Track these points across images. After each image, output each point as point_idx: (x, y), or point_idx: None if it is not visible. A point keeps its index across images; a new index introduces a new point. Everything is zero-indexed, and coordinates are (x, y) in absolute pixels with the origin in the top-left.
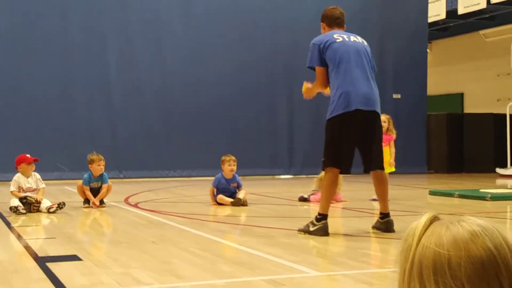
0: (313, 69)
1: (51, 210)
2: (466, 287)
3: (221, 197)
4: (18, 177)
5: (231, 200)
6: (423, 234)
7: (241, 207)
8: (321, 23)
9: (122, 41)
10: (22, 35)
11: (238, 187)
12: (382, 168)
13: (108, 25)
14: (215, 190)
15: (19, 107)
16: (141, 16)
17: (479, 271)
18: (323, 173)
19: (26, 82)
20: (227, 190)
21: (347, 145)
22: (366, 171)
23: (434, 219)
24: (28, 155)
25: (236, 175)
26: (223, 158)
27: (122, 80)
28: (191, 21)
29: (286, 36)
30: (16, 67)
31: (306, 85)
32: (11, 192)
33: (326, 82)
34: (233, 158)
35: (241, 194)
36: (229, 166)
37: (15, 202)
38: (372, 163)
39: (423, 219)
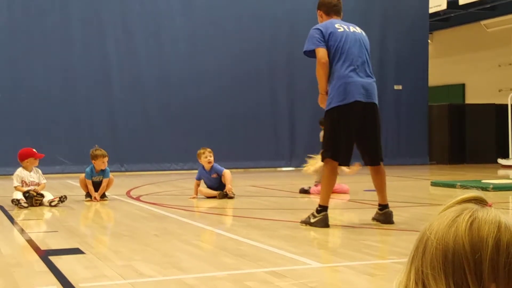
0: (311, 53)
1: (53, 203)
2: (428, 270)
3: (200, 190)
4: (20, 171)
5: (213, 192)
6: (442, 212)
7: (236, 200)
8: (318, 11)
9: (121, 33)
10: (22, 28)
11: (220, 175)
12: (382, 160)
13: (107, 17)
14: (199, 183)
15: (20, 101)
16: (141, 8)
17: (441, 259)
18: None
19: (26, 75)
20: (208, 181)
21: (346, 137)
22: (369, 164)
23: (465, 201)
24: (34, 150)
25: (215, 165)
26: (198, 152)
27: (122, 72)
28: (190, 13)
29: (286, 27)
30: (16, 60)
31: (319, 99)
32: (15, 187)
33: (328, 64)
34: (208, 149)
35: (226, 186)
36: (206, 158)
37: (18, 195)
38: (376, 156)
39: (456, 198)
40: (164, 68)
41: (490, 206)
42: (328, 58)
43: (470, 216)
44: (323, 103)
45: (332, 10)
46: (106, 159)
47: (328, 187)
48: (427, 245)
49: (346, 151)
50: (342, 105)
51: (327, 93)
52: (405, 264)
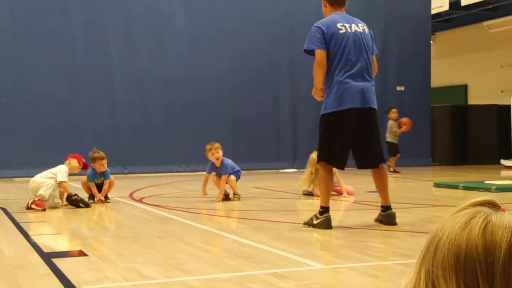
0: (311, 52)
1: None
2: (439, 271)
3: (215, 180)
4: (67, 172)
5: (222, 190)
6: (455, 214)
7: (239, 201)
8: (323, 0)
9: (124, 35)
10: (24, 30)
11: (223, 174)
12: (383, 161)
13: (109, 19)
14: (209, 177)
15: (22, 103)
16: (143, 10)
17: (453, 260)
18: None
19: (28, 77)
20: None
21: (341, 142)
22: (365, 167)
23: (478, 204)
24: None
25: (224, 163)
26: (206, 147)
27: (124, 74)
28: (192, 14)
29: (287, 29)
30: (19, 63)
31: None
32: (63, 182)
33: (326, 65)
34: (216, 145)
35: (230, 189)
36: (213, 156)
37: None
38: (372, 159)
39: (469, 201)
40: (166, 70)
41: (503, 210)
42: (327, 59)
43: (484, 220)
44: (317, 96)
45: (336, 2)
46: (104, 161)
47: (327, 188)
48: (439, 246)
49: (340, 155)
50: (337, 111)
51: (322, 89)
52: (414, 264)
